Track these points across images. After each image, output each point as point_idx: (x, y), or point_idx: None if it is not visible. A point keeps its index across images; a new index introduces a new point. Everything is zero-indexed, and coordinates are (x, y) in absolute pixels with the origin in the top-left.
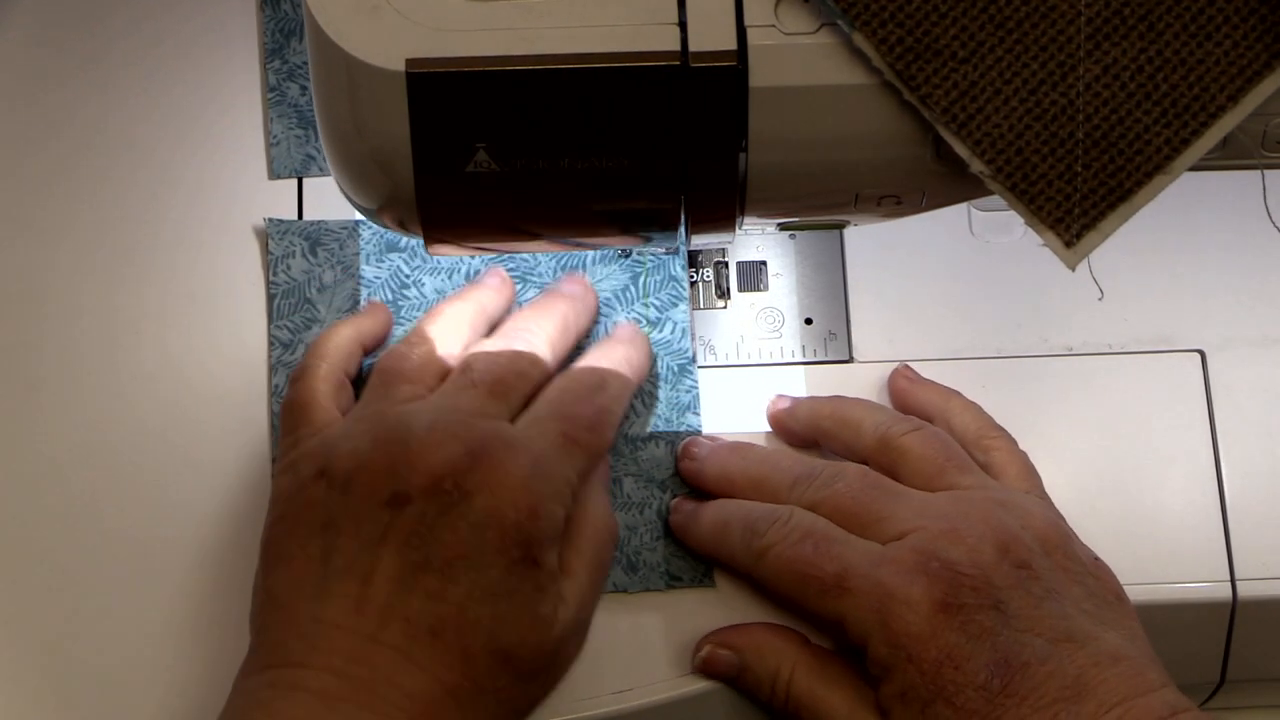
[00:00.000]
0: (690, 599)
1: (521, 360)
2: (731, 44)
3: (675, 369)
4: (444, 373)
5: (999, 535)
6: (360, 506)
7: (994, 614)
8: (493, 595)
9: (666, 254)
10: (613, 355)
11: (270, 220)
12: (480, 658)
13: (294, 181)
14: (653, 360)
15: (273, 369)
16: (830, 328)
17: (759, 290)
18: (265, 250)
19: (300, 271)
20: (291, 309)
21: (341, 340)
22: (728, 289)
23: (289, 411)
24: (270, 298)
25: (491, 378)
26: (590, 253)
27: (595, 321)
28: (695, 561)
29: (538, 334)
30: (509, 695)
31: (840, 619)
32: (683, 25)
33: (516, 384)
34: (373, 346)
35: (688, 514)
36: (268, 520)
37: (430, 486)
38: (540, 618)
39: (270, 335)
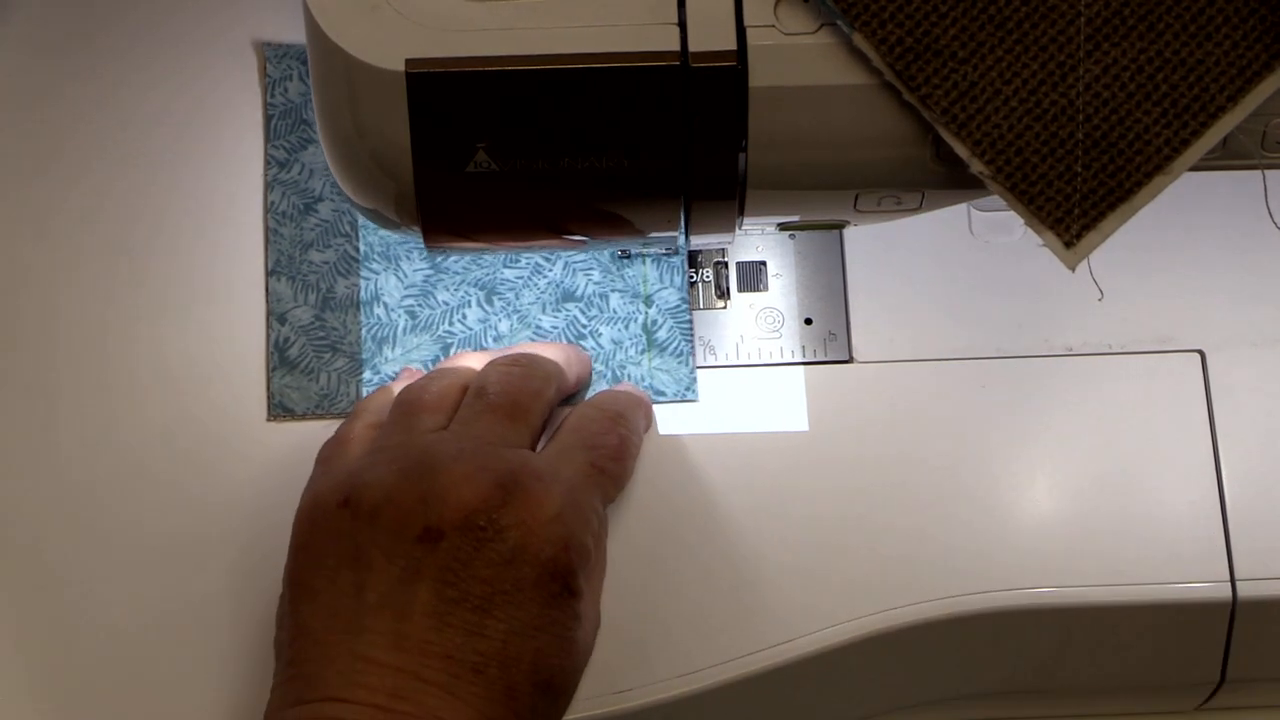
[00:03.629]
0: (692, 599)
1: (534, 378)
2: (731, 44)
3: None
4: (461, 402)
5: None
6: (390, 540)
7: None
8: (533, 629)
9: (666, 254)
10: (622, 393)
11: (268, 43)
12: (524, 690)
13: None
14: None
15: (268, 186)
16: (830, 328)
17: (759, 290)
18: (263, 73)
19: (297, 94)
20: (288, 129)
21: (385, 400)
22: (728, 289)
23: (327, 449)
24: (267, 119)
25: (508, 400)
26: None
27: (590, 379)
28: (679, 377)
29: (545, 354)
30: (545, 718)
31: None
32: (683, 25)
33: (533, 405)
34: None
35: None
36: (291, 547)
37: (463, 522)
38: (575, 643)
39: (267, 155)
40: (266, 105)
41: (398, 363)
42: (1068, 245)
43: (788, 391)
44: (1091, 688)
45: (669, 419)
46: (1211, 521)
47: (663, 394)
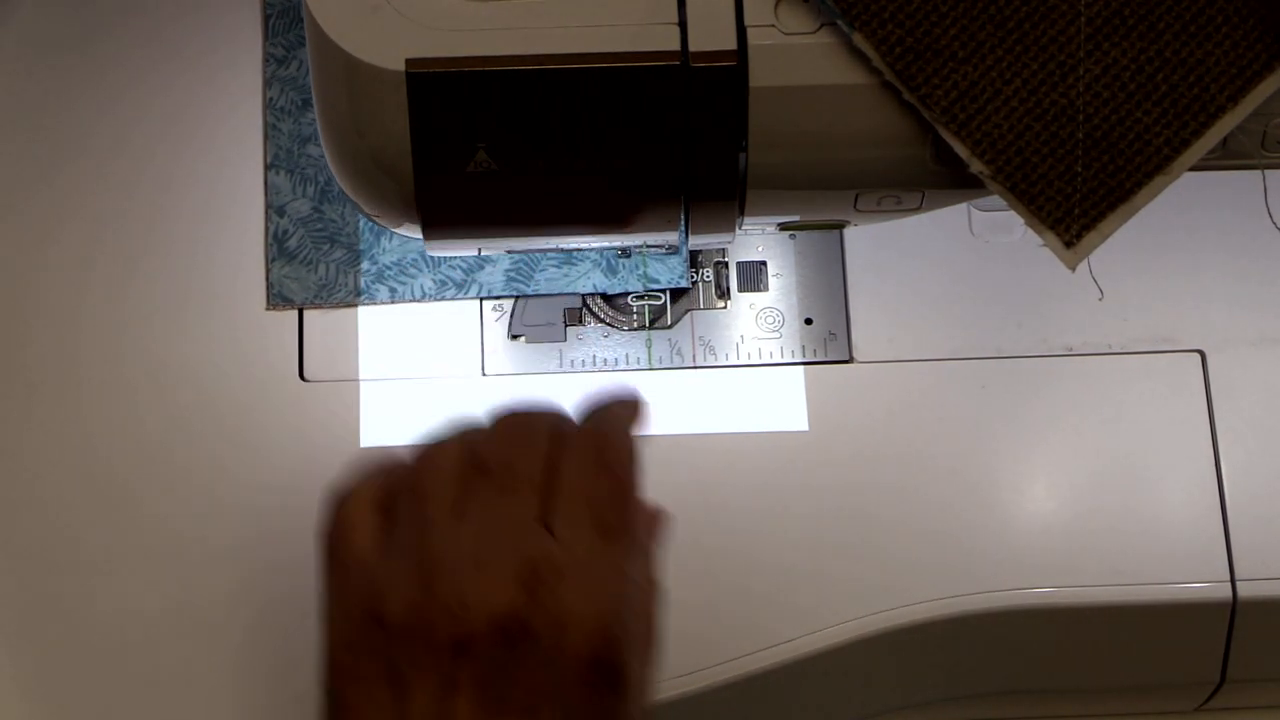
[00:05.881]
0: (692, 599)
1: (525, 433)
2: (731, 44)
3: None
4: (462, 477)
5: None
6: (423, 655)
7: None
8: None
9: (666, 253)
10: (607, 417)
11: None
12: None
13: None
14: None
15: (267, 82)
16: (830, 328)
17: (759, 290)
18: None
19: None
20: (286, 27)
21: (370, 478)
22: (728, 289)
23: (333, 537)
24: (265, 17)
25: (505, 468)
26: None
27: None
28: (672, 265)
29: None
30: None
31: None
32: (683, 25)
33: (529, 466)
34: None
35: None
36: (324, 666)
37: (492, 630)
38: None
39: (265, 52)
40: (265, 4)
41: (395, 254)
42: (1068, 245)
43: (788, 391)
44: (1091, 688)
45: (670, 419)
46: (1211, 521)
47: (656, 282)
